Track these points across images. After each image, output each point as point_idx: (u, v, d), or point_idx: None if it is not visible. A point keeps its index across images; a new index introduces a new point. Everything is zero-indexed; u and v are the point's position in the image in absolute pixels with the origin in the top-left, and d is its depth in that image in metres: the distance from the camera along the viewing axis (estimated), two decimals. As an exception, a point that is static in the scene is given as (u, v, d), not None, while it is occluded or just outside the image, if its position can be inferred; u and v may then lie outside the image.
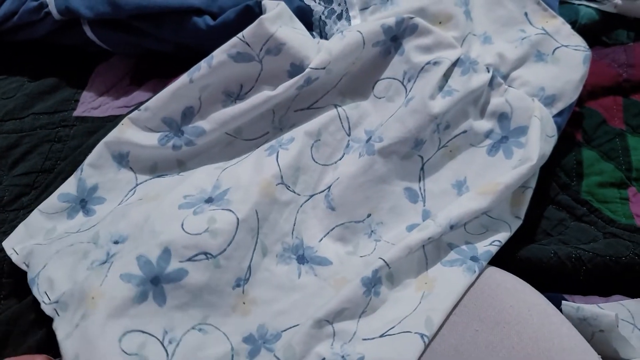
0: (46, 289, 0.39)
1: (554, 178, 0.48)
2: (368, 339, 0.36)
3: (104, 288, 0.36)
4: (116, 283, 0.36)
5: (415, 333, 0.35)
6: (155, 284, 0.37)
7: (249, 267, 0.40)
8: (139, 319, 0.36)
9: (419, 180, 0.45)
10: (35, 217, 0.44)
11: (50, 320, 0.38)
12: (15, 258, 0.42)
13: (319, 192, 0.44)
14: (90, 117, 0.53)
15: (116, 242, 0.40)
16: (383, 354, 0.35)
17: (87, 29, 0.54)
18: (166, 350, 0.36)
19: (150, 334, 0.36)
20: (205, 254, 0.38)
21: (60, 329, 0.36)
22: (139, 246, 0.38)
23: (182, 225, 0.38)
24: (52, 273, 0.39)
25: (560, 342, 0.35)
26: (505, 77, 0.47)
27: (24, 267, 0.41)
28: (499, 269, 0.40)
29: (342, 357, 0.35)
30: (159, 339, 0.36)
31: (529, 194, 0.44)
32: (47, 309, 0.38)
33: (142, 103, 0.47)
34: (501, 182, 0.41)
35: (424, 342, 0.35)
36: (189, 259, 0.38)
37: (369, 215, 0.44)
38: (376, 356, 0.35)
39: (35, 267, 0.40)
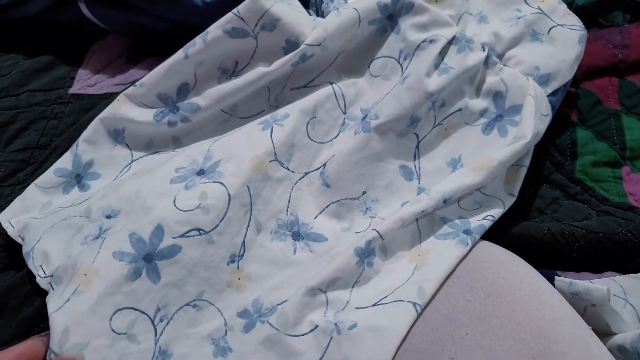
0: (41, 263, 0.39)
1: (548, 157, 0.49)
2: (361, 307, 0.36)
3: (96, 265, 0.36)
4: (109, 260, 0.36)
5: (408, 302, 0.35)
6: (149, 260, 0.37)
7: (243, 243, 0.41)
8: (133, 296, 0.36)
9: (414, 159, 0.45)
10: (32, 191, 0.44)
11: (45, 293, 0.39)
12: (10, 231, 0.42)
13: (314, 170, 0.44)
14: (86, 95, 0.53)
15: (108, 217, 0.40)
16: (376, 321, 0.35)
17: (83, 6, 0.54)
18: (155, 329, 0.36)
19: (141, 312, 0.36)
20: (198, 230, 0.38)
21: (52, 302, 0.36)
22: (130, 222, 0.38)
23: (174, 201, 0.39)
24: (46, 247, 0.39)
25: (551, 312, 0.35)
26: (500, 56, 0.47)
27: (19, 241, 0.41)
28: (491, 243, 0.41)
29: (335, 324, 0.35)
30: (150, 317, 0.36)
31: (522, 172, 0.44)
32: (42, 282, 0.38)
33: (138, 80, 0.47)
34: (495, 158, 0.41)
35: (417, 310, 0.35)
36: (182, 235, 0.38)
37: (364, 193, 0.44)
38: (369, 323, 0.35)
39: (30, 241, 0.40)
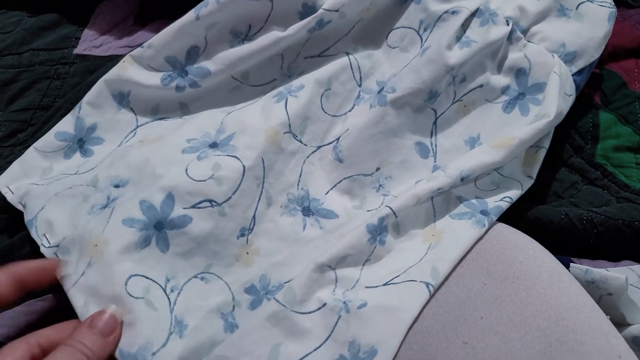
0: (45, 232, 0.37)
1: (569, 140, 0.47)
2: (371, 286, 0.35)
3: (106, 234, 0.34)
4: (118, 228, 0.35)
5: (421, 282, 0.34)
6: (159, 229, 0.36)
7: (254, 216, 0.39)
8: (142, 264, 0.35)
9: (431, 135, 0.43)
10: (31, 155, 0.42)
11: (40, 256, 0.38)
12: (10, 197, 0.40)
13: (327, 144, 0.43)
14: (91, 56, 0.51)
15: (117, 186, 0.39)
16: (386, 301, 0.34)
17: (91, -36, 0.52)
18: (168, 298, 0.35)
19: (153, 280, 0.35)
20: (210, 201, 0.37)
21: (67, 278, 0.35)
22: (140, 190, 0.37)
23: (186, 170, 0.37)
24: (51, 215, 0.38)
25: (570, 300, 0.34)
26: (525, 32, 0.45)
27: (19, 207, 0.40)
28: (508, 225, 0.39)
29: (344, 303, 0.34)
30: (161, 286, 0.35)
31: (542, 153, 0.42)
32: (47, 252, 0.37)
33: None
34: (516, 136, 0.39)
35: (429, 291, 0.34)
36: (193, 206, 0.36)
37: (377, 169, 0.42)
38: (379, 303, 0.34)
39: (33, 209, 0.39)
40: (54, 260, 0.35)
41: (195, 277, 0.37)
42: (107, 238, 0.34)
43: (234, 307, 0.37)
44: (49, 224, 0.38)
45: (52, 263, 0.35)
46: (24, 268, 0.33)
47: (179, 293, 0.36)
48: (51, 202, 0.38)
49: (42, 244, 0.37)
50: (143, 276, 0.35)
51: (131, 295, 0.33)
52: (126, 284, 0.34)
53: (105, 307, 0.33)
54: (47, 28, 0.54)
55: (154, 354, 0.32)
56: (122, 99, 0.44)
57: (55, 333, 0.33)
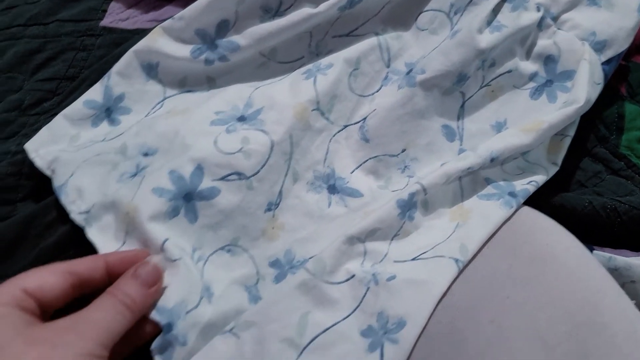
0: (75, 199, 0.38)
1: (593, 130, 0.47)
2: (399, 261, 0.35)
3: (136, 202, 0.35)
4: (149, 197, 0.35)
5: (450, 258, 0.34)
6: (188, 200, 0.36)
7: (280, 191, 0.39)
8: (171, 233, 0.35)
9: (458, 119, 0.43)
10: (59, 122, 0.42)
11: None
12: (39, 163, 0.40)
13: (354, 123, 0.43)
14: (118, 29, 0.51)
15: (145, 155, 0.39)
16: (415, 275, 0.34)
17: (119, -64, 0.52)
18: (196, 266, 0.35)
19: (181, 248, 0.35)
20: (239, 174, 0.37)
21: (101, 245, 0.35)
22: (170, 160, 0.37)
23: (215, 142, 0.37)
24: (80, 182, 0.38)
25: (596, 283, 0.34)
26: (555, 19, 0.45)
27: (48, 173, 0.40)
28: (534, 209, 0.39)
29: (373, 275, 0.34)
30: (189, 254, 0.35)
31: (567, 142, 0.42)
32: (77, 218, 0.37)
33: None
34: (545, 120, 0.39)
35: (458, 267, 0.34)
36: (222, 178, 0.36)
37: (403, 150, 0.42)
38: (408, 276, 0.34)
39: (62, 176, 0.39)
40: (141, 251, 0.35)
41: (221, 249, 0.37)
42: (137, 205, 0.35)
43: (258, 280, 0.37)
44: (78, 191, 0.38)
45: (142, 255, 0.35)
46: (117, 258, 0.34)
47: (205, 263, 0.36)
48: (80, 168, 0.39)
49: (71, 211, 0.37)
50: (173, 241, 0.35)
51: (168, 257, 0.34)
52: (162, 247, 0.34)
53: None
54: (73, 0, 0.54)
55: (187, 312, 0.32)
56: (151, 70, 0.44)
57: (84, 268, 0.33)
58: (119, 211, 0.35)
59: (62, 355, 0.28)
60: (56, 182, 0.39)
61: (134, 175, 0.38)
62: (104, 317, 0.30)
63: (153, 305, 0.32)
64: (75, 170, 0.38)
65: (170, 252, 0.34)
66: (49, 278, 0.31)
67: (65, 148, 0.41)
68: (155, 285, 0.33)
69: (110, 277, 0.33)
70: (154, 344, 0.31)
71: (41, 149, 0.41)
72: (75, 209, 0.37)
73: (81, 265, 0.33)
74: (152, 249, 0.34)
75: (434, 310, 0.32)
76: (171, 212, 0.35)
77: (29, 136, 0.42)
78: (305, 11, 0.42)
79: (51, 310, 0.32)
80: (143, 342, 0.33)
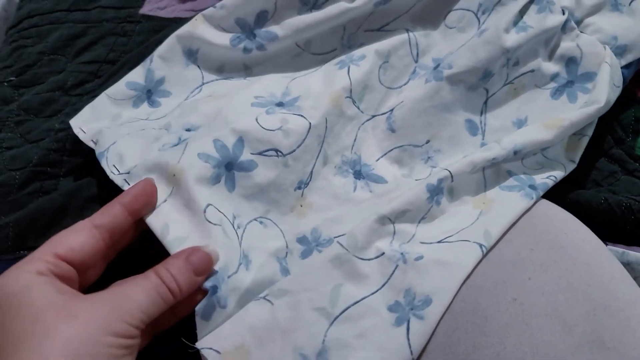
0: (115, 162, 0.39)
1: (610, 131, 0.49)
2: (426, 242, 0.37)
3: (182, 164, 0.36)
4: (194, 160, 0.37)
5: (474, 242, 0.36)
6: (229, 169, 0.38)
7: (311, 172, 0.41)
8: (213, 198, 0.37)
9: (481, 114, 0.45)
10: (102, 101, 0.44)
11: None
12: (82, 136, 0.42)
13: (381, 114, 0.45)
14: (156, 17, 0.54)
15: (188, 130, 0.41)
16: (442, 255, 0.35)
17: None
18: (236, 233, 0.37)
19: (223, 214, 0.37)
20: (276, 150, 0.39)
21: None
22: (213, 131, 0.39)
23: (257, 119, 0.39)
24: (122, 149, 0.39)
25: (612, 271, 0.36)
26: (578, 22, 0.46)
27: (91, 144, 0.42)
28: (552, 203, 0.41)
29: (402, 254, 0.36)
30: (230, 221, 0.37)
31: (585, 141, 0.44)
32: (117, 179, 0.38)
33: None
34: (567, 118, 0.41)
35: (482, 251, 0.35)
36: (260, 153, 0.38)
37: (428, 141, 0.44)
38: (435, 257, 0.35)
39: (105, 143, 0.40)
40: (149, 182, 0.35)
41: (255, 220, 0.39)
42: (183, 167, 0.36)
43: (286, 254, 0.39)
44: (119, 156, 0.39)
45: (150, 187, 0.35)
46: (130, 195, 0.34)
47: (244, 231, 0.38)
48: (122, 138, 0.40)
49: (111, 172, 0.38)
50: (216, 208, 0.36)
51: (209, 222, 0.35)
52: (205, 211, 0.35)
53: (184, 233, 0.34)
54: (114, -13, 0.56)
55: (229, 277, 0.34)
56: (191, 55, 0.46)
57: (105, 217, 0.33)
58: (164, 172, 0.36)
59: (94, 334, 0.27)
60: (98, 149, 0.40)
61: (176, 144, 0.39)
62: (145, 299, 0.29)
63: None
64: (117, 139, 0.40)
65: (211, 216, 0.35)
66: (78, 237, 0.31)
67: (108, 125, 0.43)
68: (203, 275, 0.32)
69: (132, 216, 0.34)
70: (199, 306, 0.33)
71: (84, 125, 0.43)
72: (115, 171, 0.38)
73: (101, 216, 0.33)
74: (194, 212, 0.35)
75: (459, 289, 0.34)
76: (214, 178, 0.37)
77: (71, 115, 0.44)
78: (342, 5, 0.44)
79: (88, 271, 0.32)
80: (177, 319, 0.34)
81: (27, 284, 0.28)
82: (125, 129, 0.42)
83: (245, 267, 0.35)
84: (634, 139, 0.48)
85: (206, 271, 0.33)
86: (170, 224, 0.35)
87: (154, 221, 0.35)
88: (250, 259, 0.37)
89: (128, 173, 0.37)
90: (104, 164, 0.39)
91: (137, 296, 0.29)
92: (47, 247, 0.31)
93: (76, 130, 0.42)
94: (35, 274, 0.29)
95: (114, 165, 0.39)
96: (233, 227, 0.37)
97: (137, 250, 0.36)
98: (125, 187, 0.37)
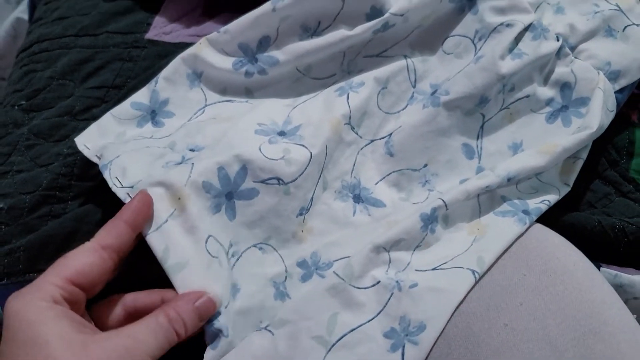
0: (118, 175, 0.40)
1: (604, 154, 0.49)
2: (421, 270, 0.38)
3: (188, 190, 0.38)
4: (199, 189, 0.38)
5: (467, 269, 0.37)
6: (229, 198, 0.39)
7: (312, 198, 0.43)
8: (212, 228, 0.38)
9: (477, 138, 0.46)
10: (107, 120, 0.45)
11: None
12: (87, 152, 0.43)
13: (380, 138, 0.46)
14: (162, 42, 0.55)
15: (192, 150, 0.42)
16: (436, 283, 0.37)
17: (166, -45, 0.56)
18: (229, 262, 0.39)
19: (220, 244, 0.38)
20: (278, 179, 0.40)
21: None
22: (217, 154, 0.40)
23: (260, 148, 0.40)
24: (125, 163, 0.40)
25: (602, 295, 0.37)
26: (573, 48, 0.48)
27: (95, 160, 0.42)
28: (545, 227, 0.42)
29: (397, 282, 0.37)
30: (225, 251, 0.38)
31: (579, 164, 0.45)
32: (119, 191, 0.39)
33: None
34: (560, 144, 0.42)
35: (475, 277, 0.37)
36: (263, 181, 0.40)
37: (425, 165, 0.46)
38: (429, 284, 0.37)
39: (109, 157, 0.41)
40: (146, 194, 0.36)
41: (254, 246, 0.40)
42: (189, 194, 0.37)
43: (285, 278, 0.40)
44: (122, 169, 0.40)
45: (147, 198, 0.36)
46: (131, 211, 0.35)
47: (238, 259, 0.39)
48: (126, 153, 0.41)
49: (114, 184, 0.39)
50: (215, 239, 0.38)
51: (209, 253, 0.37)
52: (207, 241, 0.37)
53: (184, 259, 0.36)
54: (121, 13, 0.58)
55: (226, 307, 0.36)
56: (195, 78, 0.47)
57: (110, 237, 0.34)
58: (169, 191, 0.37)
59: None
60: (102, 162, 0.41)
61: (179, 163, 0.40)
62: (154, 344, 0.31)
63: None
64: (121, 154, 0.41)
65: (211, 248, 0.37)
66: (87, 260, 0.32)
67: (112, 141, 0.44)
68: (207, 319, 0.34)
69: (134, 231, 0.35)
70: (207, 337, 0.35)
71: (89, 142, 0.44)
72: (118, 184, 0.39)
73: (108, 236, 0.34)
74: (196, 239, 0.37)
75: (452, 315, 0.35)
76: (214, 207, 0.38)
77: (79, 140, 0.46)
78: (341, 32, 0.46)
79: (95, 288, 0.33)
80: None
81: (43, 316, 0.29)
82: (130, 145, 0.43)
83: (232, 297, 0.37)
84: (628, 161, 0.49)
85: (209, 316, 0.34)
86: (171, 246, 0.36)
87: (155, 242, 0.36)
88: (239, 287, 0.38)
89: (132, 187, 0.38)
90: (106, 176, 0.40)
91: (147, 340, 0.31)
92: (57, 270, 0.32)
93: (80, 147, 0.43)
94: (51, 302, 0.30)
95: (116, 178, 0.40)
96: (227, 256, 0.38)
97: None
98: (127, 200, 0.38)
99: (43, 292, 0.30)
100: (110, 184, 0.39)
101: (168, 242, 0.36)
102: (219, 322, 0.35)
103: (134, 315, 0.34)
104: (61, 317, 0.30)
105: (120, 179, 0.40)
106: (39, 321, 0.29)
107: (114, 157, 0.41)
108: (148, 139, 0.44)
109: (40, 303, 0.30)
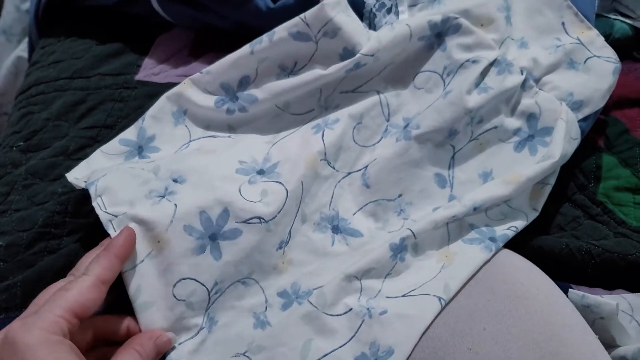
0: (102, 194, 0.42)
1: (573, 179, 0.52)
2: (391, 297, 0.40)
3: (169, 235, 0.40)
4: (180, 233, 0.41)
5: (434, 296, 0.39)
6: (213, 239, 0.42)
7: (290, 231, 0.45)
8: (196, 269, 0.41)
9: (449, 168, 0.49)
10: (97, 156, 0.48)
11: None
12: (75, 182, 0.45)
13: (356, 171, 0.49)
14: (151, 82, 0.58)
15: (175, 181, 0.44)
16: (404, 310, 0.39)
17: (154, 1, 0.59)
18: (209, 299, 0.41)
19: (201, 283, 0.41)
20: (259, 218, 0.42)
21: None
22: (199, 195, 0.42)
23: (240, 190, 0.43)
24: (110, 183, 0.43)
25: (564, 318, 0.39)
26: (537, 81, 0.50)
27: (82, 184, 0.44)
28: (512, 251, 0.44)
29: (368, 309, 0.40)
30: (208, 289, 0.41)
31: (547, 189, 0.47)
32: (102, 216, 0.41)
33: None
34: (524, 174, 0.45)
35: (441, 304, 0.39)
36: (245, 221, 0.42)
37: (400, 195, 0.48)
38: (398, 311, 0.39)
39: (95, 176, 0.44)
40: (131, 231, 0.40)
41: (238, 281, 0.43)
42: (170, 238, 0.40)
43: (266, 308, 0.43)
44: (107, 189, 0.42)
45: (133, 236, 0.40)
46: (119, 246, 0.39)
47: (220, 294, 0.42)
48: (112, 172, 0.44)
49: (97, 205, 0.42)
50: (193, 279, 0.41)
51: (175, 297, 0.40)
52: (174, 286, 0.40)
53: (152, 299, 0.39)
54: (112, 55, 0.61)
55: (180, 344, 0.40)
56: (180, 115, 0.50)
57: (105, 271, 0.37)
58: (150, 231, 0.40)
59: None
60: (89, 181, 0.43)
61: (162, 196, 0.43)
62: None
63: None
64: (107, 172, 0.44)
65: (179, 291, 0.40)
66: (90, 295, 0.35)
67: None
68: (162, 354, 0.39)
69: (120, 261, 0.38)
70: None
71: (78, 175, 0.46)
72: (101, 205, 0.42)
73: (104, 272, 0.37)
74: (166, 282, 0.40)
75: (419, 340, 0.38)
76: (198, 249, 0.41)
77: (72, 179, 0.48)
78: (316, 72, 0.49)
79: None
80: None
81: (57, 353, 0.32)
82: (115, 166, 0.45)
83: (207, 330, 0.41)
84: (596, 185, 0.52)
85: (164, 352, 0.40)
86: (142, 286, 0.39)
87: (129, 280, 0.40)
88: (217, 320, 0.41)
89: (116, 217, 0.41)
90: (92, 191, 0.42)
91: None
92: (62, 303, 0.34)
93: (70, 179, 0.46)
94: (60, 335, 0.33)
95: (100, 197, 0.42)
96: (209, 294, 0.41)
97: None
98: (110, 228, 0.41)
99: (53, 325, 0.33)
100: (94, 202, 0.42)
101: (141, 281, 0.40)
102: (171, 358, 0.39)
103: (101, 339, 0.39)
104: (70, 353, 0.33)
105: (104, 199, 0.42)
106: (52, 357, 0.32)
107: (101, 175, 0.43)
108: (133, 162, 0.47)
109: (51, 337, 0.33)
